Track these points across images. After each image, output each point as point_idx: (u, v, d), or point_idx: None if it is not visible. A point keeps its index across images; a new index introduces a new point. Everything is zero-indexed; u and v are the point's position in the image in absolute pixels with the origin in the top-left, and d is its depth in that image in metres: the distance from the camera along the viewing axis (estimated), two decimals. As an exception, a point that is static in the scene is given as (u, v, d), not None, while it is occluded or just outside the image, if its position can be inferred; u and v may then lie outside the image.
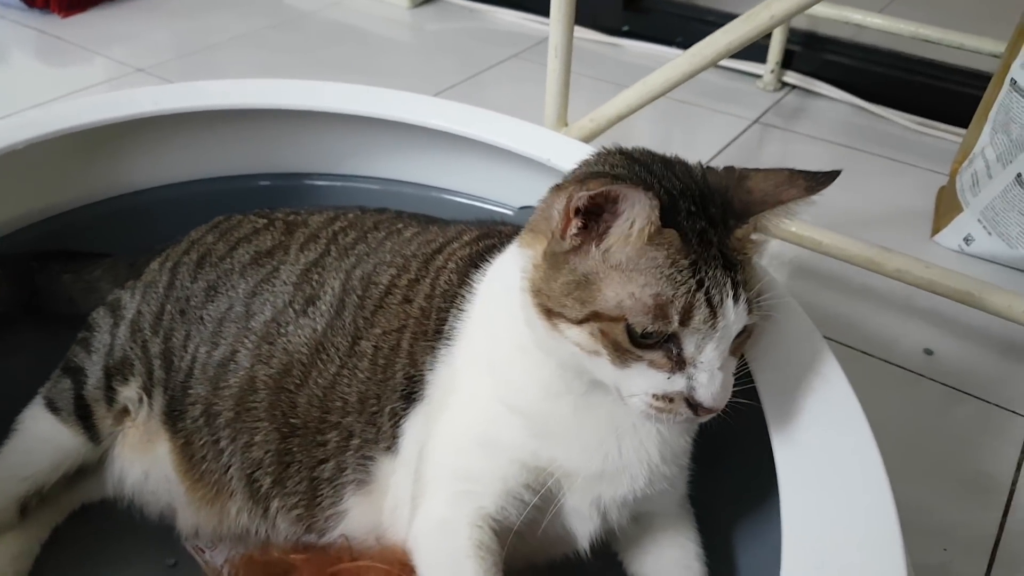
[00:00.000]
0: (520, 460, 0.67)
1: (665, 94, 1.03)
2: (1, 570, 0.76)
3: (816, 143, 1.72)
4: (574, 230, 0.58)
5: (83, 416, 0.82)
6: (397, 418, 0.73)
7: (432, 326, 0.75)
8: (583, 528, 0.71)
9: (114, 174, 1.06)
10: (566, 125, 1.15)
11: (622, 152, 0.66)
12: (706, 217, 0.59)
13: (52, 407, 0.82)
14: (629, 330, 0.57)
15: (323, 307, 0.80)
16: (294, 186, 1.09)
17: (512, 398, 0.67)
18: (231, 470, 0.77)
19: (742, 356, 0.67)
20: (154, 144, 1.06)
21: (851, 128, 1.77)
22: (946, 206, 1.39)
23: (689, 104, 1.84)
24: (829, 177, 0.62)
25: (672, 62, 1.01)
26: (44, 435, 0.81)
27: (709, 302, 0.56)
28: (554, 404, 0.66)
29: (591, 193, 0.55)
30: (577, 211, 0.57)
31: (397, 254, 0.83)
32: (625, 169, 0.62)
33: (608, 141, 0.70)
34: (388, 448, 0.73)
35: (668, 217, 0.57)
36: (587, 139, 1.13)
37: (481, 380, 0.69)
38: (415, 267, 0.81)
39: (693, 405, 0.58)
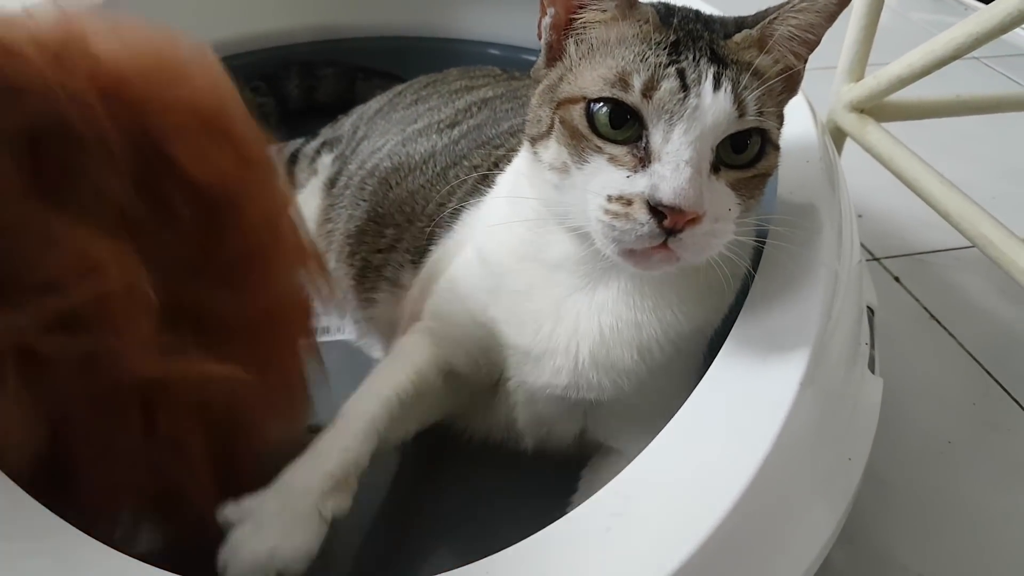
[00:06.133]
0: (471, 312, 0.68)
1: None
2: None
3: None
4: (548, 19, 0.58)
5: (291, 162, 1.03)
6: (432, 240, 0.78)
7: (494, 174, 0.77)
8: (522, 416, 0.69)
9: (447, 17, 1.25)
10: (861, 78, 0.98)
11: None
12: (708, 28, 0.56)
13: (277, 151, 1.04)
14: (588, 112, 0.54)
15: (454, 133, 0.87)
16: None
17: (486, 245, 0.67)
18: (336, 233, 0.90)
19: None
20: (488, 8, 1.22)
21: None
22: None
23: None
24: None
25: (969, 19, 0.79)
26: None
27: (682, 76, 0.51)
28: (516, 265, 0.64)
29: None
30: None
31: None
32: None
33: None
34: (414, 262, 0.79)
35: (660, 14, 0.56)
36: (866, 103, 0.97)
37: (478, 226, 0.71)
38: None
39: (654, 208, 0.51)
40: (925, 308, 1.05)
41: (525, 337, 0.64)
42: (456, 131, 0.87)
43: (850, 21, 0.99)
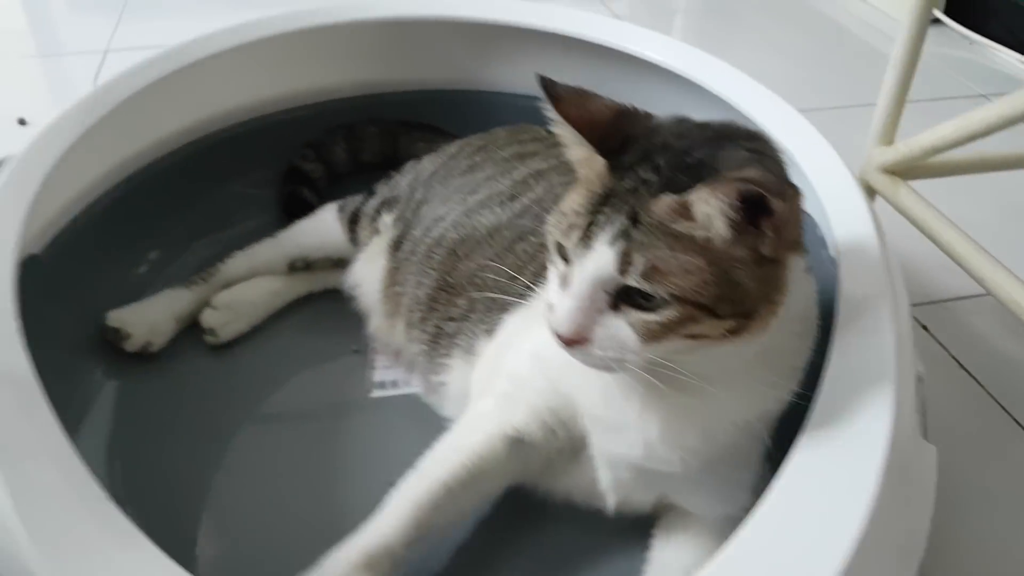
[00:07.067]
0: (553, 381, 0.72)
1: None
2: (260, 294, 1.06)
3: None
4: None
5: (353, 220, 1.07)
6: (506, 311, 0.82)
7: None
8: (605, 479, 0.74)
9: (484, 71, 1.30)
10: (891, 143, 1.04)
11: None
12: (660, 176, 0.59)
13: (340, 208, 1.09)
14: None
15: (516, 206, 0.92)
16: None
17: None
18: (404, 298, 0.95)
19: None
20: (520, 56, 1.27)
21: None
22: None
23: None
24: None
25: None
26: (325, 222, 1.09)
27: (589, 228, 0.59)
28: None
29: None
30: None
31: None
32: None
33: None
34: (488, 331, 0.83)
35: (615, 155, 0.62)
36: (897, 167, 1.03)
37: None
38: None
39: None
40: (953, 356, 1.11)
41: (599, 407, 0.69)
42: (517, 204, 0.92)
43: (881, 89, 1.04)
